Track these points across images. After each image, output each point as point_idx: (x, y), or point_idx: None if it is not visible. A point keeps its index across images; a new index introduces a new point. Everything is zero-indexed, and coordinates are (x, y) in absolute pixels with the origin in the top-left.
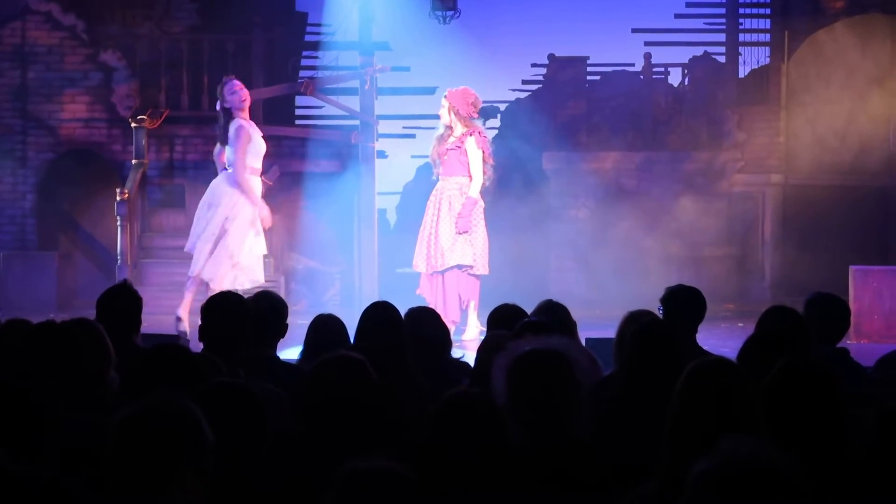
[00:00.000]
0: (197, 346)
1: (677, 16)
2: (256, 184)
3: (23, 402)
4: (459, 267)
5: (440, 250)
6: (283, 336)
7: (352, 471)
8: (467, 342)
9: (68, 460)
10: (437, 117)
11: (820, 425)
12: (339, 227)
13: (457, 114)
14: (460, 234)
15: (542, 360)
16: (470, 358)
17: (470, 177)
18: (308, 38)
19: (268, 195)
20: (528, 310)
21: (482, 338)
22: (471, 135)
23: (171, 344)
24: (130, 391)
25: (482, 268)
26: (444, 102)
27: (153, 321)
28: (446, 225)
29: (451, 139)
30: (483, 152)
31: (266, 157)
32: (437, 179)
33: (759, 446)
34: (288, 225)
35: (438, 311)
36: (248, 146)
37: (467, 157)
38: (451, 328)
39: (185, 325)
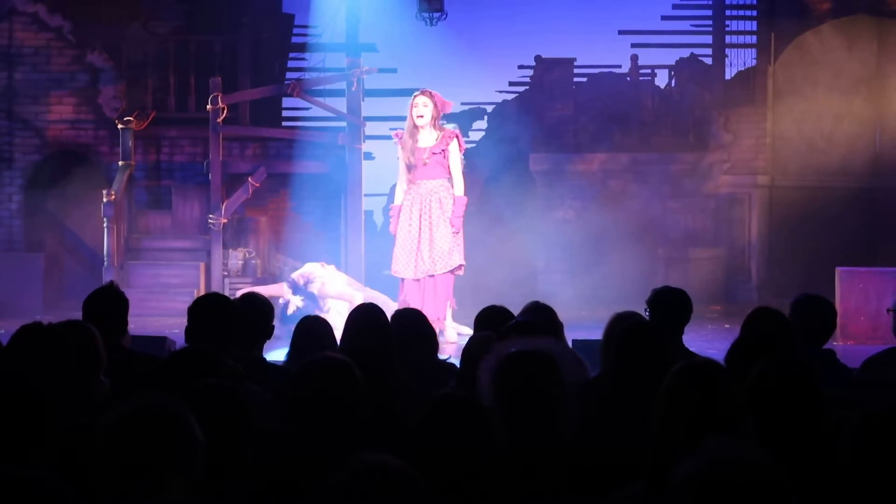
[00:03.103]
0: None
1: (664, 17)
2: None
3: (22, 404)
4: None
5: (439, 253)
6: (269, 337)
7: (358, 462)
8: (448, 345)
9: (58, 463)
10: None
11: (802, 423)
12: (325, 229)
13: (436, 116)
14: (456, 234)
15: (528, 362)
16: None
17: (450, 177)
18: (295, 39)
19: (254, 197)
20: (515, 311)
21: (461, 340)
22: (452, 138)
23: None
24: (122, 393)
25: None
26: (428, 101)
27: (140, 323)
28: (443, 228)
29: (429, 142)
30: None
31: (253, 158)
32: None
33: (742, 447)
34: (274, 226)
35: (426, 312)
36: None
37: (448, 161)
38: (438, 328)
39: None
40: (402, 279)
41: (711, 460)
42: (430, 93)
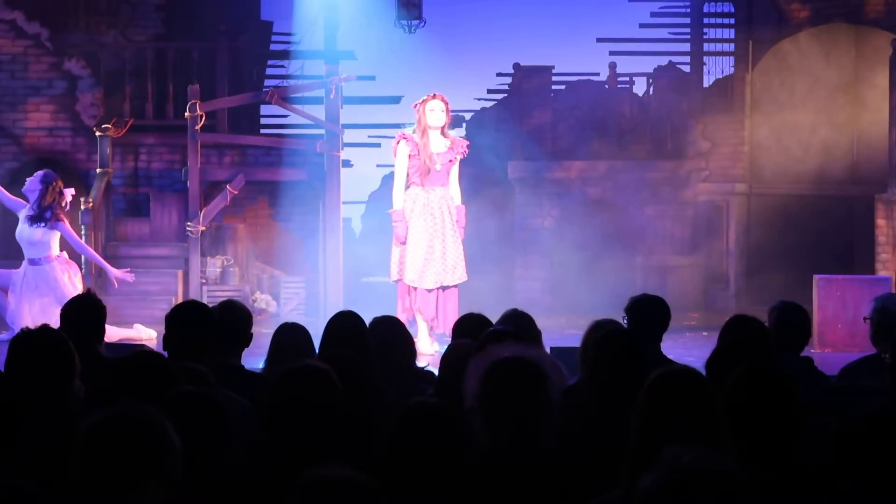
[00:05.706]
0: None
1: (642, 25)
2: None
3: None
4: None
5: (453, 263)
6: (247, 345)
7: (310, 478)
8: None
9: (33, 469)
10: (401, 125)
11: (779, 431)
12: (304, 236)
13: (447, 123)
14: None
15: (520, 369)
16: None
17: (448, 186)
18: (273, 46)
19: (233, 204)
20: (493, 319)
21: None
22: (464, 149)
23: (148, 352)
24: (98, 400)
25: None
26: (444, 108)
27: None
28: (455, 237)
29: (440, 148)
30: None
31: (231, 165)
32: (412, 187)
33: (704, 455)
34: (253, 234)
35: (447, 324)
36: None
37: (452, 169)
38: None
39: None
40: (414, 288)
41: (672, 471)
42: (445, 99)
